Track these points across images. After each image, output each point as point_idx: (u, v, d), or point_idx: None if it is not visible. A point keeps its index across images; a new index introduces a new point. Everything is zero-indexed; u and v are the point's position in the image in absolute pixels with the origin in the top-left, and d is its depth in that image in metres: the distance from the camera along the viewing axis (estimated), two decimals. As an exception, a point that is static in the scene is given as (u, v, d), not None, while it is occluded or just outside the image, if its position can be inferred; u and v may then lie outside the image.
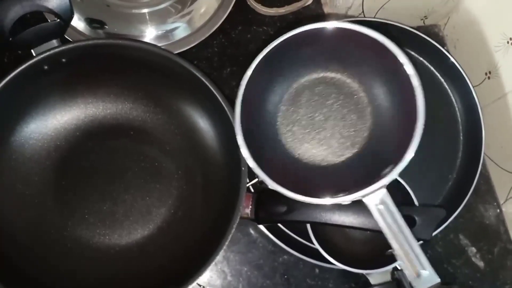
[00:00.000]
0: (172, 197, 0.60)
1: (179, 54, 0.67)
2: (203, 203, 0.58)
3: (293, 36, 0.49)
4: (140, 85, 0.60)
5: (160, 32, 0.68)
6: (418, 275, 0.45)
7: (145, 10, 0.66)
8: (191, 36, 0.68)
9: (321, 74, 0.54)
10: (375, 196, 0.46)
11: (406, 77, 0.46)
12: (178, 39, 0.68)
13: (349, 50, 0.51)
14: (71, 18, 0.54)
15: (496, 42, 0.64)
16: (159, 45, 0.67)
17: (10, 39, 0.53)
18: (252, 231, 0.64)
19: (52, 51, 0.53)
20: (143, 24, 0.67)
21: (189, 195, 0.60)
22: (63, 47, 0.54)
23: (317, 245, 0.56)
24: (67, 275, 0.54)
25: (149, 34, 0.68)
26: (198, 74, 0.54)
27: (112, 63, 0.57)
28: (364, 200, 0.46)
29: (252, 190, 0.58)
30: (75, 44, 0.54)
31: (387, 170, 0.45)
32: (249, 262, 0.63)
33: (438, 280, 0.44)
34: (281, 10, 0.72)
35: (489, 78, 0.67)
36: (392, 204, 0.46)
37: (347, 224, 0.51)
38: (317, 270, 0.64)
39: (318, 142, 0.54)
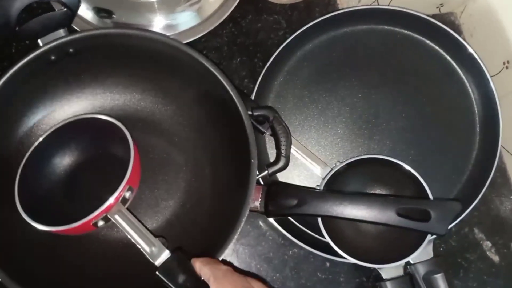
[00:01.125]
0: (180, 189, 0.59)
1: (188, 44, 0.66)
2: (212, 196, 0.57)
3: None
4: (148, 76, 0.59)
5: (168, 21, 0.67)
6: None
7: (154, -1, 0.65)
8: (200, 26, 0.67)
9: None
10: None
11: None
12: (187, 29, 0.67)
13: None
14: (78, 7, 0.54)
15: (515, 31, 0.63)
16: (168, 34, 0.67)
17: (17, 28, 0.52)
18: (261, 224, 0.64)
19: (59, 41, 0.52)
20: (152, 13, 0.66)
21: (198, 188, 0.59)
22: (70, 37, 0.53)
23: (328, 239, 0.55)
24: (76, 269, 0.54)
25: (158, 23, 0.66)
26: (207, 64, 0.53)
27: (120, 53, 0.56)
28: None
29: (262, 183, 0.58)
30: (82, 34, 0.53)
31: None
32: (258, 255, 0.63)
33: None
34: (292, -2, 0.70)
35: (507, 67, 0.65)
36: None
37: (359, 218, 0.50)
38: (327, 264, 0.63)
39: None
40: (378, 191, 0.60)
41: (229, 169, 0.56)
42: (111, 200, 0.49)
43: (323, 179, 0.57)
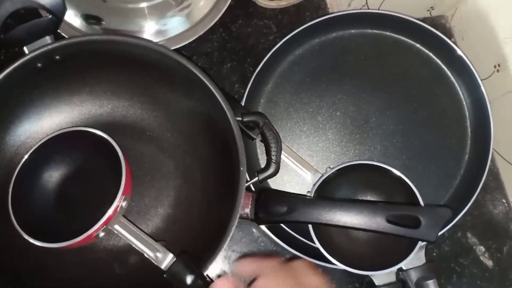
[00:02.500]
0: (170, 196, 0.59)
1: (178, 49, 0.66)
2: (202, 203, 0.57)
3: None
4: (136, 82, 0.59)
5: (158, 26, 0.66)
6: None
7: (144, 4, 0.65)
8: (190, 31, 0.66)
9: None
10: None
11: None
12: (176, 34, 0.66)
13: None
14: (63, 13, 0.53)
15: (505, 34, 0.62)
16: (158, 40, 0.66)
17: (1, 36, 0.51)
18: (253, 230, 0.63)
19: (45, 48, 0.52)
20: (142, 19, 0.66)
21: (188, 194, 0.58)
22: (56, 44, 0.52)
23: (318, 245, 0.55)
24: (66, 279, 0.54)
25: (148, 29, 0.66)
26: (194, 70, 0.52)
27: (108, 59, 0.56)
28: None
29: (253, 189, 0.57)
30: (68, 41, 0.53)
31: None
32: (250, 262, 0.62)
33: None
34: (283, 3, 0.70)
35: (498, 71, 0.65)
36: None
37: (349, 225, 0.49)
38: (320, 270, 0.62)
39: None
40: (369, 197, 0.60)
41: (219, 176, 0.55)
42: (110, 211, 0.49)
43: (314, 185, 0.57)
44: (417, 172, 0.62)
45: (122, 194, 0.50)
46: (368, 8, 0.68)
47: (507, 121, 0.65)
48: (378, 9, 0.68)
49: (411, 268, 0.56)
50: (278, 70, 0.65)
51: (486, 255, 0.65)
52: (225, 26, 0.69)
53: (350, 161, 0.58)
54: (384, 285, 0.56)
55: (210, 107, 0.54)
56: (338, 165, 0.58)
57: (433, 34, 0.62)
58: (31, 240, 0.49)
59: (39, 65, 0.53)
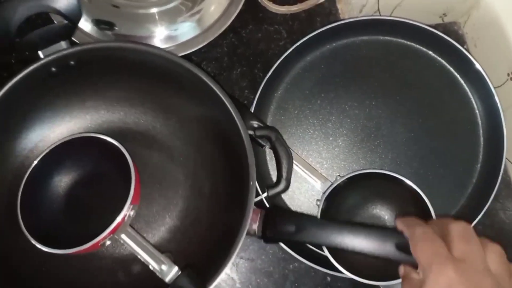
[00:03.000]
0: (178, 206, 0.58)
1: (188, 55, 0.66)
2: (210, 215, 0.56)
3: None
4: (149, 90, 0.58)
5: (169, 32, 0.66)
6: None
7: (154, 10, 0.65)
8: (200, 36, 0.66)
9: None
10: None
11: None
12: (187, 39, 0.66)
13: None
14: (79, 19, 0.53)
15: (520, 41, 0.62)
16: (168, 45, 0.66)
17: (17, 40, 0.52)
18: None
19: (60, 53, 0.52)
20: (153, 24, 0.66)
21: (196, 205, 0.58)
22: (71, 50, 0.52)
23: (328, 255, 0.54)
24: (69, 284, 0.53)
25: (159, 34, 0.66)
26: (205, 78, 0.52)
27: (121, 66, 0.56)
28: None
29: (266, 202, 0.58)
30: (83, 47, 0.53)
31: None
32: (259, 269, 0.62)
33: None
34: (293, 8, 0.70)
35: (511, 79, 0.64)
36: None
37: (357, 250, 0.48)
38: (328, 279, 0.62)
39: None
40: (379, 206, 0.59)
41: (228, 189, 0.55)
42: (118, 220, 0.49)
43: (324, 193, 0.57)
44: (428, 181, 0.61)
45: (131, 203, 0.50)
46: (380, 15, 0.68)
47: (520, 130, 0.64)
48: (390, 16, 0.67)
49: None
50: (288, 76, 0.64)
51: (498, 265, 0.64)
52: (235, 32, 0.69)
53: (360, 170, 0.58)
54: (395, 296, 0.55)
55: (221, 118, 0.53)
56: (348, 174, 0.57)
57: (445, 41, 0.61)
58: (38, 245, 0.49)
59: (54, 69, 0.52)
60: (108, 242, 0.50)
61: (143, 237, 0.51)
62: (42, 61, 0.51)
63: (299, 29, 0.70)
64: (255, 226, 0.50)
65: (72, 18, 0.52)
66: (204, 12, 0.67)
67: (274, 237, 0.50)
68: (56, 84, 0.55)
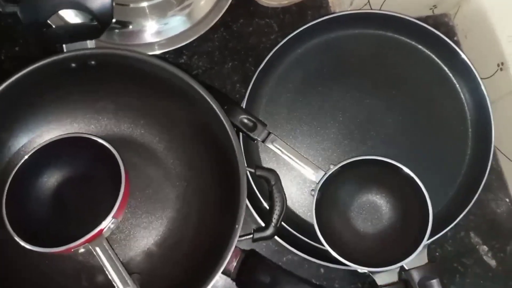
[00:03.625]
0: (161, 227, 0.59)
1: (179, 49, 0.66)
2: (190, 244, 0.57)
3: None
4: (162, 105, 0.59)
5: (159, 26, 0.66)
6: None
7: (145, 4, 0.64)
8: (191, 30, 0.66)
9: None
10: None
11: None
12: (178, 33, 0.67)
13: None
14: (109, 22, 0.53)
15: (509, 32, 0.62)
16: (159, 39, 0.66)
17: (44, 29, 0.52)
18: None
19: (83, 51, 0.52)
20: (143, 18, 0.66)
21: (179, 231, 0.58)
22: (95, 50, 0.53)
23: (322, 239, 0.54)
24: (31, 279, 0.54)
25: (149, 28, 0.66)
26: (213, 104, 0.52)
27: (139, 76, 0.55)
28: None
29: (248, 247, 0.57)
30: (107, 51, 0.54)
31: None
32: (252, 262, 0.62)
33: None
34: (284, 2, 0.70)
35: (501, 69, 0.64)
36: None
37: None
38: (322, 270, 0.62)
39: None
40: (374, 193, 0.60)
41: (215, 222, 0.55)
42: (95, 231, 0.49)
43: (318, 183, 0.57)
44: (419, 172, 0.61)
45: (113, 217, 0.51)
46: (371, 7, 0.68)
47: (510, 120, 0.64)
48: (380, 9, 0.67)
49: (413, 268, 0.55)
50: (280, 69, 0.64)
51: (489, 255, 0.65)
52: (226, 26, 0.69)
53: (353, 157, 0.58)
54: (387, 285, 0.56)
55: (229, 152, 0.53)
56: (341, 162, 0.57)
57: (434, 35, 0.62)
58: (16, 237, 0.49)
59: (73, 65, 0.53)
60: (82, 250, 0.51)
61: (116, 255, 0.51)
62: (64, 55, 0.52)
63: (290, 23, 0.70)
64: (231, 267, 0.50)
65: (102, 20, 0.53)
66: (194, 6, 0.67)
67: (247, 284, 0.51)
68: (72, 80, 0.55)
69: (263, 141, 0.57)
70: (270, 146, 0.58)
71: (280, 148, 0.58)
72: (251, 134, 0.57)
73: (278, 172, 0.56)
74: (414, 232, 0.56)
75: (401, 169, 0.56)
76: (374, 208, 0.60)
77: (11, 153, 0.56)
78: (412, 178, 0.56)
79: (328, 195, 0.57)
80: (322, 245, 0.55)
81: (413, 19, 0.62)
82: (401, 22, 0.62)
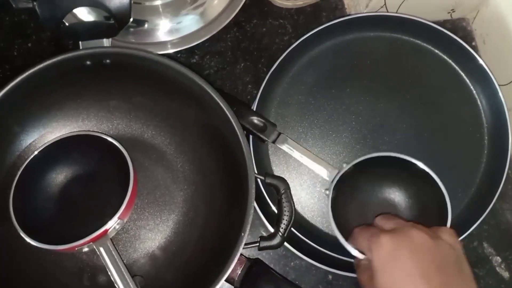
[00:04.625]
0: (167, 230, 0.58)
1: (191, 48, 0.65)
2: (196, 249, 0.56)
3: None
4: (176, 108, 0.58)
5: (172, 24, 0.66)
6: None
7: (158, 2, 0.64)
8: (203, 29, 0.66)
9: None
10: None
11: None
12: (190, 32, 0.66)
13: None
14: (126, 22, 0.53)
15: (529, 38, 0.60)
16: (172, 38, 0.66)
17: (62, 26, 0.53)
18: (263, 234, 0.62)
19: (99, 49, 0.52)
20: (157, 17, 0.66)
21: (184, 235, 0.58)
22: (110, 49, 0.53)
23: (345, 244, 0.52)
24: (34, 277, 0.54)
25: (162, 27, 0.66)
26: (226, 111, 0.51)
27: (154, 78, 0.55)
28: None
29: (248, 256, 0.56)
30: (125, 51, 0.53)
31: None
32: (259, 266, 0.61)
33: None
34: (299, 2, 0.69)
35: (520, 75, 0.63)
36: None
37: None
38: (330, 277, 0.61)
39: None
40: (389, 191, 0.58)
41: (221, 228, 0.54)
42: (100, 231, 0.49)
43: (332, 182, 0.56)
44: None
45: (119, 217, 0.50)
46: (387, 9, 0.67)
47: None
48: (397, 12, 0.66)
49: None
50: (292, 71, 0.63)
51: (502, 266, 0.63)
52: (239, 26, 0.68)
53: (368, 155, 0.57)
54: None
55: (235, 154, 0.53)
56: (355, 160, 0.56)
57: (451, 39, 0.60)
58: (21, 233, 0.49)
59: (88, 63, 0.53)
60: (85, 249, 0.50)
61: (120, 256, 0.50)
62: (83, 51, 0.52)
63: (304, 24, 0.69)
64: (235, 275, 0.50)
65: (120, 19, 0.53)
66: (208, 5, 0.66)
67: None
68: (86, 77, 0.55)
69: (274, 142, 0.57)
70: (281, 146, 0.57)
71: (292, 148, 0.57)
72: (261, 135, 0.56)
73: (287, 176, 0.55)
74: None
75: (415, 164, 0.55)
76: (390, 206, 0.58)
77: (22, 147, 0.56)
78: (426, 173, 0.54)
79: (342, 194, 0.56)
80: (332, 248, 0.54)
81: (430, 23, 0.61)
82: (417, 25, 0.61)
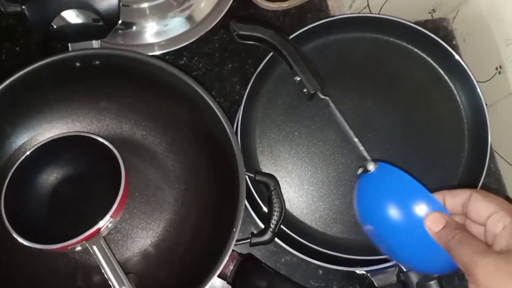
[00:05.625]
0: (159, 228, 0.59)
1: (179, 50, 0.66)
2: (187, 247, 0.57)
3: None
4: (165, 107, 0.59)
5: (159, 27, 0.67)
6: None
7: (145, 5, 0.65)
8: (191, 31, 0.67)
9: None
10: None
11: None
12: (178, 34, 0.67)
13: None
14: (116, 23, 0.54)
15: (507, 36, 0.62)
16: (159, 40, 0.67)
17: (51, 27, 0.53)
18: (254, 231, 0.63)
19: (88, 51, 0.53)
20: (143, 19, 0.66)
21: (176, 233, 0.58)
22: (99, 51, 0.53)
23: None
24: (27, 275, 0.54)
25: (149, 29, 0.67)
26: (218, 113, 0.53)
27: (144, 78, 0.56)
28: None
29: (239, 252, 0.57)
30: (114, 52, 0.54)
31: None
32: (250, 263, 0.62)
33: None
34: (284, 5, 0.70)
35: (499, 73, 0.64)
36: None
37: None
38: (320, 272, 0.62)
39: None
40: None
41: (213, 225, 0.55)
42: (92, 230, 0.50)
43: None
44: (416, 175, 0.61)
45: (111, 216, 0.51)
46: (370, 11, 0.68)
47: (509, 123, 0.64)
48: (379, 13, 0.68)
49: (411, 270, 0.55)
50: (279, 71, 0.64)
51: (486, 258, 0.64)
52: (226, 27, 0.69)
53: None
54: (385, 286, 0.56)
55: (225, 153, 0.53)
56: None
57: (431, 39, 0.62)
58: (14, 234, 0.49)
59: (78, 64, 0.53)
60: (78, 248, 0.51)
61: (113, 254, 0.51)
62: (70, 53, 0.52)
63: (289, 26, 0.70)
64: (227, 270, 0.51)
65: (109, 20, 0.53)
66: (195, 8, 0.67)
67: None
68: (76, 79, 0.55)
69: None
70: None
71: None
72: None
73: (276, 175, 0.56)
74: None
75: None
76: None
77: (12, 149, 0.57)
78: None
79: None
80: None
81: (410, 23, 0.62)
82: (398, 26, 0.62)
